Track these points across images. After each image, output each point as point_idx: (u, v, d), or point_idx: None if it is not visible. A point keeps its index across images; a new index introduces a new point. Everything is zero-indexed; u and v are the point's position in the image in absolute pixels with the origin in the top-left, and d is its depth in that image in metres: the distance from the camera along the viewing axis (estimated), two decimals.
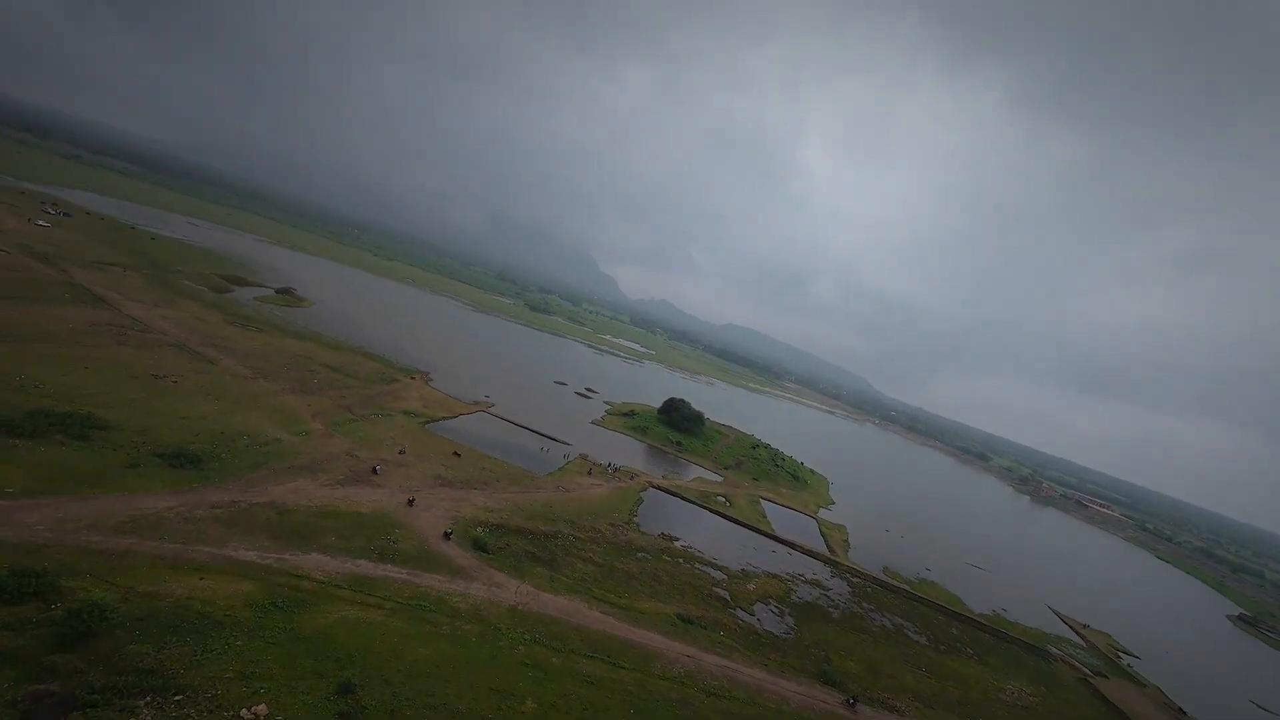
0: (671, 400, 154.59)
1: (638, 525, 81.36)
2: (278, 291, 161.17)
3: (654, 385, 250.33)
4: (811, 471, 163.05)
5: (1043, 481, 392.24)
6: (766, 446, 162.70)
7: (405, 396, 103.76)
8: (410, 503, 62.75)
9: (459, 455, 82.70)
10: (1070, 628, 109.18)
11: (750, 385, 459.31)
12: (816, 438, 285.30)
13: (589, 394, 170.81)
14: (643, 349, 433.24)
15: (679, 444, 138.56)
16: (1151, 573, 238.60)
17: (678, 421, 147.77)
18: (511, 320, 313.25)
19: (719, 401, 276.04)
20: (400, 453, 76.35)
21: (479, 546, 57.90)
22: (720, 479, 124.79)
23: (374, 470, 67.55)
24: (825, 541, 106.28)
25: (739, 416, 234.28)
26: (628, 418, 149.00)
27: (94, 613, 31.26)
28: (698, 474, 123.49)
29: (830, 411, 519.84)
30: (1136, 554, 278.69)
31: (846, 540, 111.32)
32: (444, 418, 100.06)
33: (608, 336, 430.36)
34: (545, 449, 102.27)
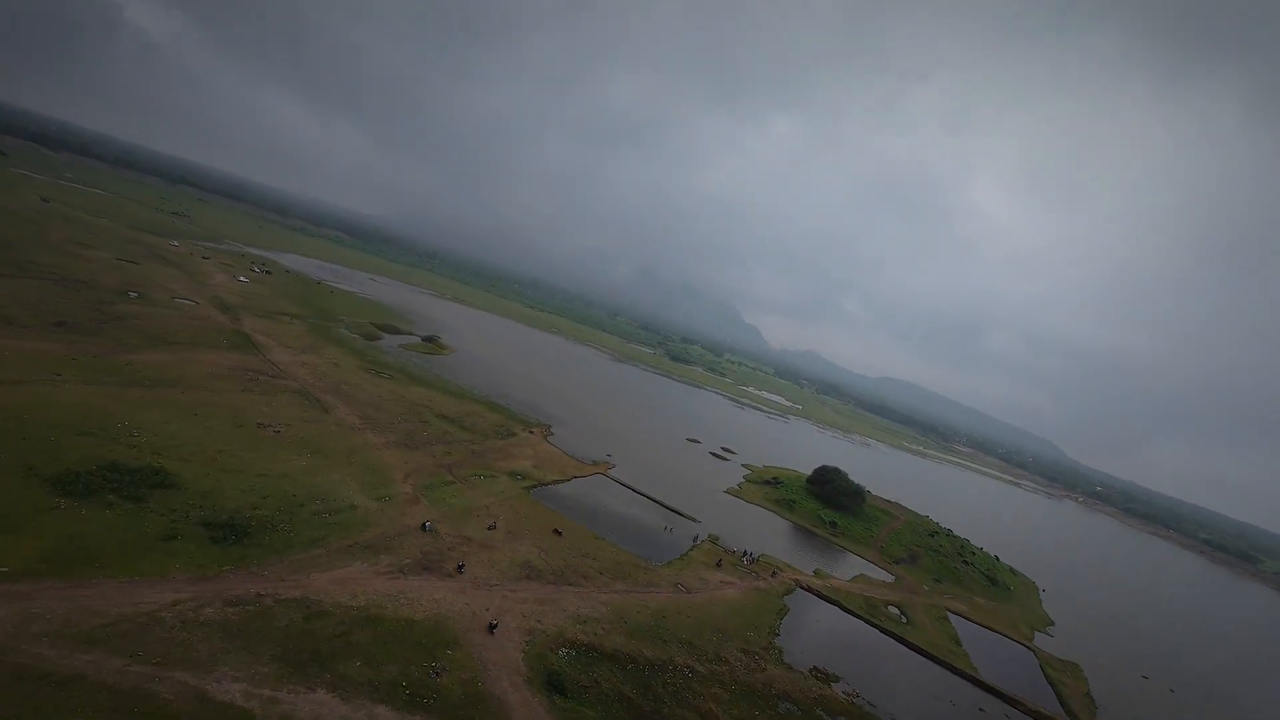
0: (824, 469, 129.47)
1: (780, 652, 60.07)
2: (424, 339, 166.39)
3: (800, 446, 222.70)
4: (1011, 571, 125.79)
5: None
6: (948, 534, 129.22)
7: (516, 454, 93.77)
8: (460, 571, 49.17)
9: (559, 533, 68.70)
10: None
11: (913, 447, 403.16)
12: (1004, 519, 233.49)
13: (725, 455, 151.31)
14: (788, 403, 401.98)
15: (833, 524, 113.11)
16: None
17: (832, 496, 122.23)
18: (650, 370, 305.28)
19: (876, 466, 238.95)
20: (490, 528, 64.19)
21: (554, 685, 41.88)
22: (890, 578, 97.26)
23: (448, 550, 55.46)
24: (1056, 693, 74.51)
25: (903, 486, 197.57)
26: (770, 487, 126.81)
27: None
28: (859, 568, 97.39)
29: (1015, 483, 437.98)
30: None
31: (1087, 692, 77.73)
32: (554, 481, 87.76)
33: (749, 388, 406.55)
34: (669, 528, 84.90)
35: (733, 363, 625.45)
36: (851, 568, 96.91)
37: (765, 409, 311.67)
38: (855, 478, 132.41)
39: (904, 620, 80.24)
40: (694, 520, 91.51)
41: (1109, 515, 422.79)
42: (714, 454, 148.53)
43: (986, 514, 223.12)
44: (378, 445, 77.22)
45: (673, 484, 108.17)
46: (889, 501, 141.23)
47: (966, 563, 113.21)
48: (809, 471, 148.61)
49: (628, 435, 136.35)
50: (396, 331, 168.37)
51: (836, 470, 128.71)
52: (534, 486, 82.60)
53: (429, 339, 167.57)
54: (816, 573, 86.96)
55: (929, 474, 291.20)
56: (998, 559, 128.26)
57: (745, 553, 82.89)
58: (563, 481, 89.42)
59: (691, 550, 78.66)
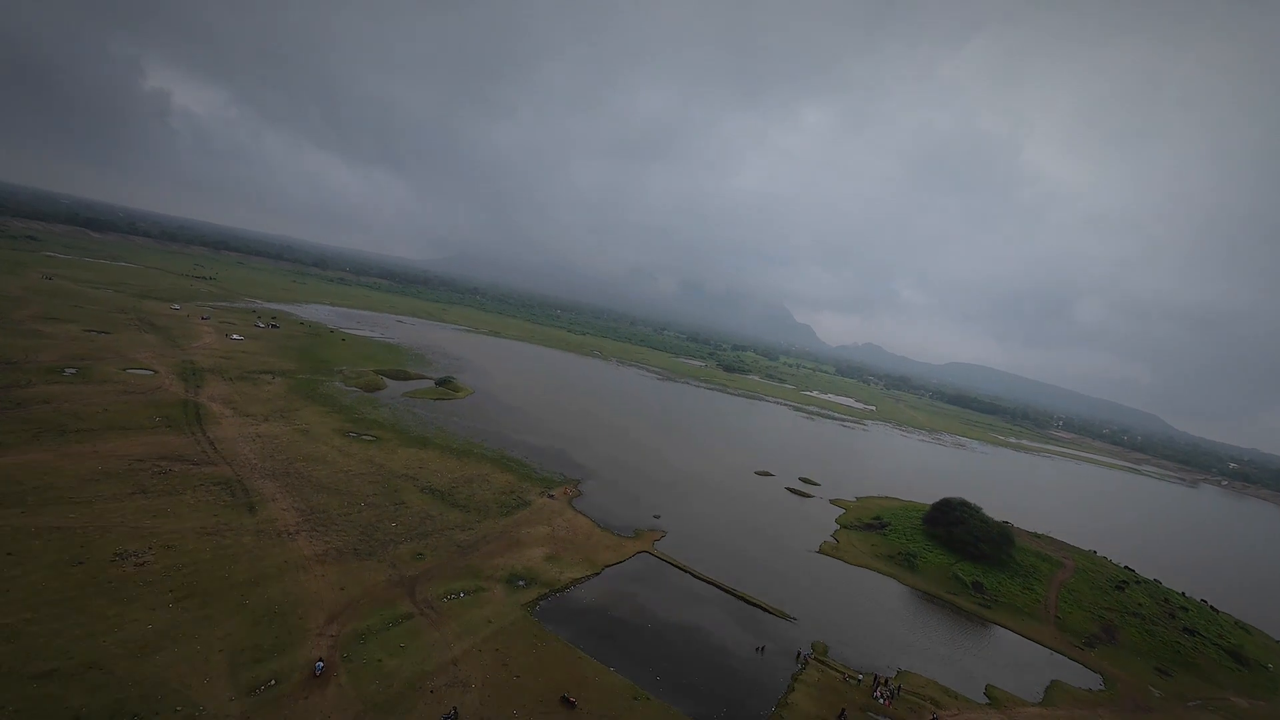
0: (946, 505, 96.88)
1: None
2: (438, 383, 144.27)
3: (891, 460, 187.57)
4: (1239, 627, 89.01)
5: None
6: (1139, 580, 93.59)
7: (525, 538, 67.43)
8: None
9: (573, 704, 41.37)
10: None
11: (1009, 440, 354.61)
12: (1157, 526, 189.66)
13: (806, 490, 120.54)
14: (860, 405, 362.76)
15: (978, 586, 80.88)
16: None
17: (964, 541, 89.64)
18: (702, 385, 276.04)
19: (983, 476, 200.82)
20: (448, 718, 37.58)
21: None
22: (1096, 680, 64.40)
23: None
24: None
25: (1023, 499, 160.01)
26: (875, 533, 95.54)
27: None
28: (1042, 665, 65.13)
29: (1134, 469, 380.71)
30: None
31: None
32: (575, 581, 60.59)
33: (814, 393, 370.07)
34: (761, 648, 55.68)
35: (789, 365, 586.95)
36: (1031, 664, 64.80)
37: (837, 415, 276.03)
38: (965, 495, 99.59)
39: None
40: (787, 618, 62.28)
41: (1264, 499, 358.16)
42: (792, 490, 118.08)
43: (1132, 521, 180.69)
44: (307, 560, 52.50)
45: (746, 550, 79.33)
46: (1039, 537, 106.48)
47: (1188, 631, 78.13)
48: (917, 499, 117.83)
49: (682, 478, 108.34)
50: (406, 377, 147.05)
51: (964, 504, 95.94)
52: (543, 598, 55.66)
53: (443, 381, 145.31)
54: (991, 696, 55.68)
55: (1041, 473, 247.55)
56: (1212, 609, 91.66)
57: (877, 681, 52.90)
58: (590, 577, 62.16)
59: (793, 691, 49.44)
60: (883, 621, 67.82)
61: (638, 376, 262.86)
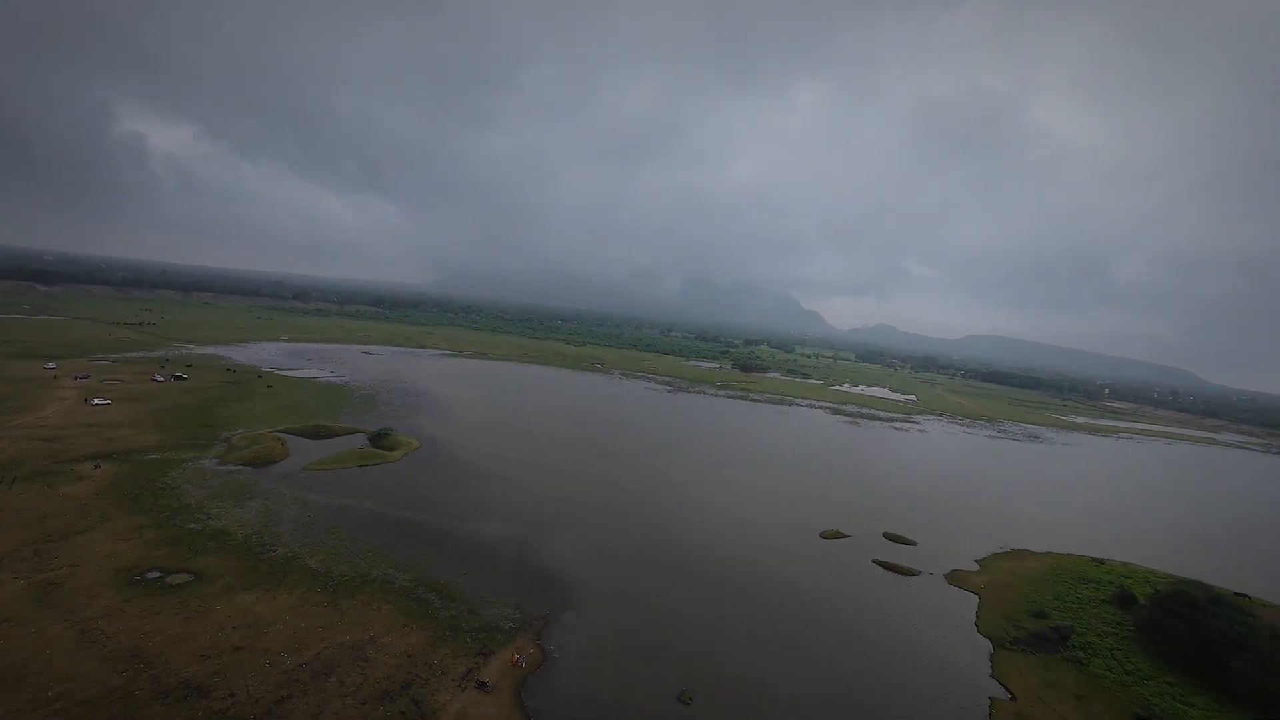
0: (1185, 603, 55.91)
1: None
2: (371, 440, 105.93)
3: (980, 476, 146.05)
4: None
5: None
6: None
7: None
8: None
9: None
10: None
11: (1075, 422, 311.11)
12: None
13: (900, 558, 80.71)
14: (898, 396, 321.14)
15: None
16: None
17: (1260, 687, 49.51)
18: (720, 393, 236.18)
19: (1086, 475, 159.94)
20: None
21: None
22: None
23: None
24: None
25: (1178, 519, 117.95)
26: (1063, 660, 55.51)
27: None
28: None
29: (1210, 438, 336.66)
30: None
31: None
32: None
33: (845, 387, 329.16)
34: None
35: (808, 356, 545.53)
36: None
37: (883, 414, 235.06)
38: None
39: None
40: None
41: None
42: (882, 564, 78.19)
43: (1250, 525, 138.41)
44: None
45: None
46: None
47: None
48: (1054, 548, 78.52)
49: (714, 569, 69.00)
50: (328, 434, 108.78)
51: (1219, 601, 55.32)
52: None
53: (378, 437, 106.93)
54: None
55: (1147, 465, 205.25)
56: None
57: None
58: None
59: None
60: None
61: (643, 390, 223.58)
